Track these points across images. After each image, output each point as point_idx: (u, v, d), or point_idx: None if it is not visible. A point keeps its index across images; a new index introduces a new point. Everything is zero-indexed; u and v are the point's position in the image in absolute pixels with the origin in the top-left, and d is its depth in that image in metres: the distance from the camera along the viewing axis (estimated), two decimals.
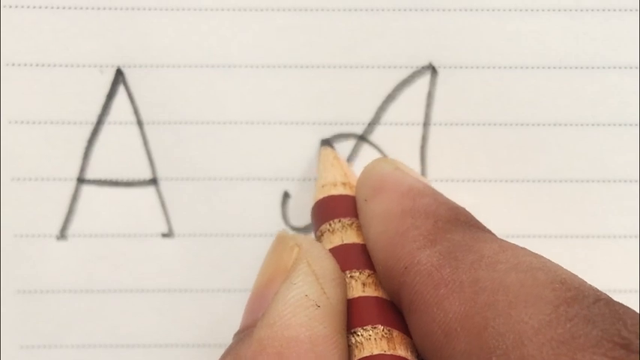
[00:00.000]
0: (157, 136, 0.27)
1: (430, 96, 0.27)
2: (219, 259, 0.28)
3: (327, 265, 0.20)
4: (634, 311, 0.16)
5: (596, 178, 0.27)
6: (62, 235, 0.28)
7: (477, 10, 0.27)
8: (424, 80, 0.27)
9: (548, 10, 0.27)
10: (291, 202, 0.28)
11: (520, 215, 0.28)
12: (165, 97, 0.27)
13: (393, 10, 0.27)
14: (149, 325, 0.28)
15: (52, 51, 0.27)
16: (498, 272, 0.18)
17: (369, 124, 0.27)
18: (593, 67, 0.27)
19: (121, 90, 0.27)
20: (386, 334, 0.19)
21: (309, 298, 0.19)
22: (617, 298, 0.27)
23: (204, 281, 0.28)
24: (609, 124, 0.27)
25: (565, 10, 0.27)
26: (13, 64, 0.27)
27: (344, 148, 0.27)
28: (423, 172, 0.28)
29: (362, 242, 0.22)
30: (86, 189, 0.28)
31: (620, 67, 0.27)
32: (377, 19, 0.27)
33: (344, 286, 0.20)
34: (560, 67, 0.27)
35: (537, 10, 0.27)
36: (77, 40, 0.27)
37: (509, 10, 0.27)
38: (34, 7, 0.26)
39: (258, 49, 0.27)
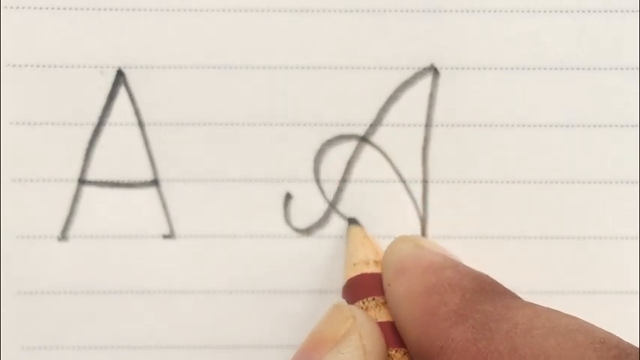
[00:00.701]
0: (158, 137, 0.27)
1: (432, 97, 0.27)
2: (220, 260, 0.28)
3: (377, 343, 0.21)
4: None
5: (597, 179, 0.27)
6: (63, 236, 0.28)
7: (478, 11, 0.26)
8: (426, 81, 0.27)
9: (550, 12, 0.26)
10: (293, 204, 0.28)
11: (521, 216, 0.28)
12: (166, 98, 0.27)
13: (395, 11, 0.26)
14: (150, 327, 0.28)
15: (53, 52, 0.27)
16: (536, 338, 0.18)
17: (371, 125, 0.27)
18: (593, 69, 0.27)
19: (122, 91, 0.27)
20: None
21: None
22: (617, 300, 0.27)
23: (206, 283, 0.28)
24: (610, 126, 0.27)
25: (566, 12, 0.27)
26: (14, 65, 0.27)
27: (345, 149, 0.27)
28: (425, 174, 0.27)
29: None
30: (87, 190, 0.27)
31: (620, 69, 0.27)
32: (379, 20, 0.27)
33: None
34: (561, 69, 0.27)
35: (538, 12, 0.26)
36: (78, 41, 0.27)
37: (511, 11, 0.27)
38: (34, 8, 0.26)
39: (259, 50, 0.27)
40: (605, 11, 0.27)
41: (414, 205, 0.28)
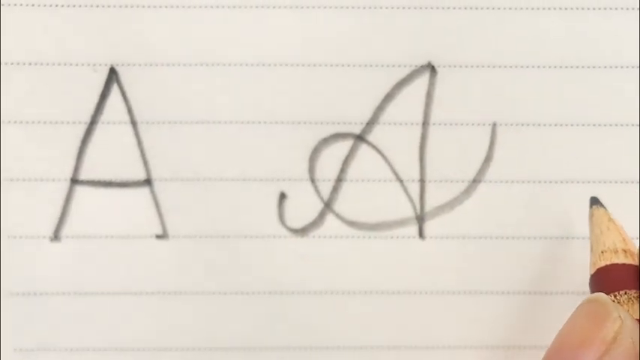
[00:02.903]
0: (150, 135, 0.27)
1: (429, 95, 0.27)
2: (214, 261, 0.28)
3: None
4: None
5: (597, 178, 0.27)
6: (56, 236, 0.28)
7: (476, 8, 0.26)
8: (423, 79, 0.27)
9: (548, 9, 0.26)
10: (287, 203, 0.28)
11: (519, 216, 0.28)
12: (159, 96, 0.27)
13: (392, 8, 0.26)
14: (143, 328, 0.28)
15: (46, 50, 0.26)
16: None
17: (367, 124, 0.27)
18: (593, 68, 0.27)
19: (115, 89, 0.27)
20: None
21: None
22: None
23: (199, 283, 0.28)
24: (609, 125, 0.27)
25: (565, 9, 0.26)
26: (6, 64, 0.26)
27: (342, 148, 0.27)
28: (422, 172, 0.27)
29: None
30: (80, 190, 0.27)
31: (620, 67, 0.27)
32: (375, 18, 0.26)
33: None
34: (559, 67, 0.27)
35: (537, 9, 0.26)
36: (70, 39, 0.26)
37: (509, 9, 0.26)
38: (27, 6, 0.26)
39: (253, 47, 0.27)
40: (605, 9, 0.26)
41: (411, 204, 0.27)
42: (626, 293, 0.22)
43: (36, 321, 0.28)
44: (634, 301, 0.22)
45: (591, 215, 0.25)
